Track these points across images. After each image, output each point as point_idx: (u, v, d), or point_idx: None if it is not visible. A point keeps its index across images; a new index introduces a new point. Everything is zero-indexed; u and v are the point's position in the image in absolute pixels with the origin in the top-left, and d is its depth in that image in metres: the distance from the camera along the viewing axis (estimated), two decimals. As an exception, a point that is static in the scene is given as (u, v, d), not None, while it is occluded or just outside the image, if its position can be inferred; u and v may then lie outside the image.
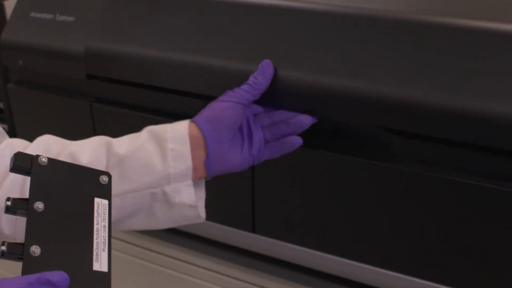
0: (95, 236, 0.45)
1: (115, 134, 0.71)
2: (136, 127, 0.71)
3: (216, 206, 0.91)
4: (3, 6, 1.15)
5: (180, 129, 0.66)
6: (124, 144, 0.67)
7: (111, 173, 0.53)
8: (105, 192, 0.48)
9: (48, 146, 0.67)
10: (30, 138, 0.70)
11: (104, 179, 0.49)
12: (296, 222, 0.85)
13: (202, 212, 0.70)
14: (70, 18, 0.93)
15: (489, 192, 0.67)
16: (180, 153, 0.65)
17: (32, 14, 0.96)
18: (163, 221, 0.68)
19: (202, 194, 0.71)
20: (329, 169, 0.77)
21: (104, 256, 0.45)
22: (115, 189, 0.57)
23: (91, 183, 0.48)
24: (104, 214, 0.47)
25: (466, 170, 0.68)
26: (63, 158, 0.64)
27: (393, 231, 0.77)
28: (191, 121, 0.68)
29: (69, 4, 0.94)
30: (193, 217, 0.69)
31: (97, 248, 0.45)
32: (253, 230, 0.89)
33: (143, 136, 0.68)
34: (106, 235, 0.46)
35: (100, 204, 0.47)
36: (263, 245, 0.90)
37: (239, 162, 0.69)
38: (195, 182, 0.68)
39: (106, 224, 0.47)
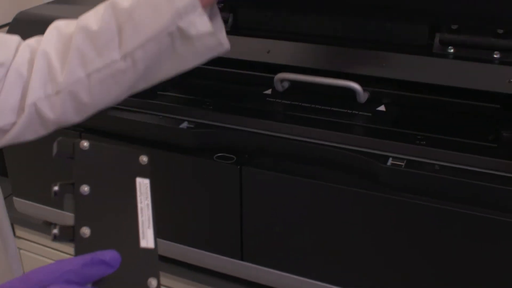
0: (139, 215, 0.47)
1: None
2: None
3: (204, 233, 0.92)
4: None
5: None
6: None
7: (125, 30, 0.65)
8: (146, 171, 0.50)
9: (61, 32, 0.71)
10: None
11: (144, 159, 0.50)
12: (285, 250, 0.86)
13: (224, 39, 0.71)
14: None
15: (475, 220, 0.70)
16: None
17: (22, 45, 0.97)
18: (190, 59, 0.70)
19: (220, 24, 0.72)
20: (316, 197, 0.79)
21: (149, 233, 0.47)
22: (134, 41, 0.65)
23: (131, 163, 0.49)
24: (146, 193, 0.49)
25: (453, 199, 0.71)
26: (78, 35, 0.68)
27: (383, 258, 0.79)
28: None
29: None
30: (216, 45, 0.70)
31: (143, 226, 0.47)
32: (242, 257, 0.90)
33: None
34: (150, 213, 0.48)
35: (141, 183, 0.49)
36: (252, 272, 0.91)
37: None
38: (210, 13, 0.69)
39: (149, 202, 0.48)
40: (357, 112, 0.85)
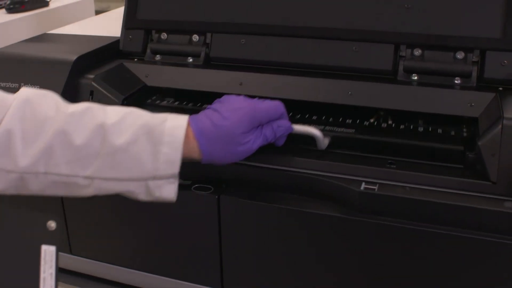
0: (41, 285, 0.44)
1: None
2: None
3: (184, 263, 0.93)
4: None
5: (177, 134, 0.70)
6: (120, 132, 0.69)
7: (103, 160, 0.68)
8: (53, 238, 0.48)
9: (34, 112, 0.68)
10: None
11: (52, 225, 0.48)
12: (264, 276, 0.87)
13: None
14: (35, 87, 0.95)
15: (447, 238, 0.73)
16: (172, 159, 0.70)
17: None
18: (142, 199, 0.73)
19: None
20: (293, 224, 0.81)
21: None
22: (104, 173, 0.68)
23: (38, 229, 0.47)
24: (51, 261, 0.46)
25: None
26: (57, 138, 0.66)
27: (362, 281, 0.81)
28: (190, 124, 0.73)
29: (33, 74, 0.97)
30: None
31: None
32: (222, 286, 0.91)
33: (138, 129, 0.70)
34: (53, 283, 0.45)
35: (47, 251, 0.47)
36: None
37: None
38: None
39: (53, 271, 0.46)
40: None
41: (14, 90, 0.96)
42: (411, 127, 0.89)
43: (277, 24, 0.97)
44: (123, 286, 1.01)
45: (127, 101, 0.96)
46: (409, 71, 0.89)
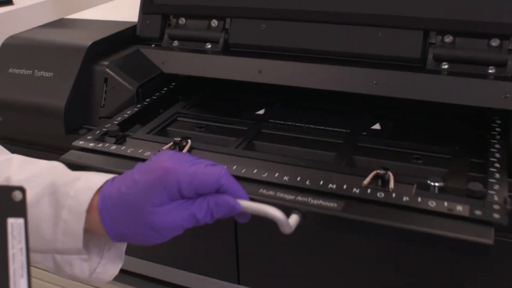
0: (10, 262, 0.41)
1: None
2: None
3: (200, 257, 0.91)
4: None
5: (82, 198, 0.55)
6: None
7: None
8: (19, 209, 0.43)
9: None
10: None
11: (17, 195, 0.43)
12: (278, 273, 0.84)
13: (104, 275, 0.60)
14: (48, 74, 0.93)
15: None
16: (72, 230, 0.55)
17: (11, 70, 0.96)
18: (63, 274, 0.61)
19: (111, 263, 0.60)
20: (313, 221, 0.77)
21: (22, 283, 0.41)
22: None
23: (2, 201, 0.42)
24: (20, 235, 0.42)
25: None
26: None
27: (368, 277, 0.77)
28: (101, 189, 0.56)
29: (47, 60, 0.94)
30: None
31: (14, 276, 0.41)
32: (238, 281, 0.88)
33: (44, 188, 0.57)
34: (24, 258, 0.41)
35: (14, 224, 0.42)
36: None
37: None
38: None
39: (23, 246, 0.42)
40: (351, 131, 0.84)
41: (28, 77, 0.94)
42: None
43: (299, 9, 0.92)
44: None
45: (142, 89, 0.93)
46: (439, 60, 0.83)
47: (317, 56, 0.91)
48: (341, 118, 0.90)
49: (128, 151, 0.74)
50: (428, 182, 0.63)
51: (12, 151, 0.98)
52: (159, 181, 0.52)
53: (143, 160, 0.68)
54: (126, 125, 0.87)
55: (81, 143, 0.77)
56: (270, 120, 0.89)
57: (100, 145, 0.76)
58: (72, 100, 0.91)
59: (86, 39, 0.96)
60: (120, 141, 0.79)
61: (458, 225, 0.57)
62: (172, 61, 0.99)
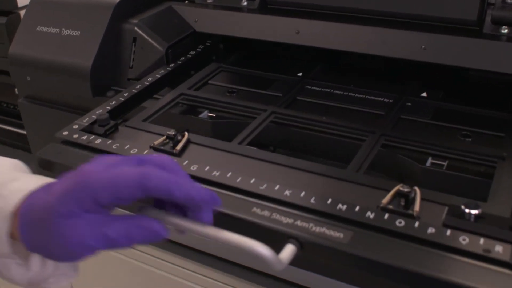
0: None
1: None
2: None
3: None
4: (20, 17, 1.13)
5: (10, 201, 0.48)
6: None
7: None
8: None
9: None
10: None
11: None
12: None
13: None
14: (75, 33, 0.89)
15: None
16: None
17: (39, 28, 0.92)
18: None
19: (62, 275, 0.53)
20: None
21: None
22: None
23: None
24: None
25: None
26: None
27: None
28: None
29: (74, 18, 0.90)
30: None
31: None
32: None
33: None
34: None
35: None
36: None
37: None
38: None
39: None
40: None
41: (55, 36, 0.90)
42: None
43: (343, -37, 0.83)
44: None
45: (172, 49, 0.88)
46: (498, 23, 0.73)
47: (360, 15, 0.83)
48: (385, 84, 0.83)
49: (114, 146, 0.64)
50: (462, 208, 0.50)
51: (41, 112, 0.96)
52: (72, 189, 0.44)
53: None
54: (154, 88, 0.82)
55: (65, 133, 0.67)
56: (307, 86, 0.82)
57: (85, 137, 0.66)
58: (99, 60, 0.86)
59: (114, -4, 0.91)
60: (110, 131, 0.69)
61: (493, 274, 0.45)
62: (205, 19, 0.92)
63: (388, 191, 0.54)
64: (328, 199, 0.53)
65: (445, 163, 0.66)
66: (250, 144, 0.71)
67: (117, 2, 0.88)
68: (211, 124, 0.79)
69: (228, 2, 0.94)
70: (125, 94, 0.77)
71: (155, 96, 0.83)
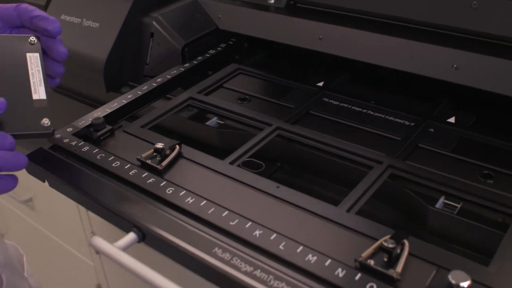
0: (31, 77, 0.59)
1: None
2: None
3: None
4: None
5: None
6: None
7: None
8: (35, 48, 0.61)
9: None
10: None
11: (32, 40, 0.61)
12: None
13: None
14: (95, 24, 0.86)
15: None
16: None
17: (63, 17, 0.91)
18: None
19: None
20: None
21: (41, 89, 0.59)
22: None
23: (22, 45, 0.60)
24: (36, 62, 0.60)
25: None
26: None
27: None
28: None
29: (95, 9, 0.87)
30: None
31: (34, 85, 0.59)
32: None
33: None
34: (41, 75, 0.60)
35: (32, 56, 0.61)
36: None
37: None
38: None
39: (40, 68, 0.60)
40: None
41: (76, 26, 0.88)
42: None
43: (377, -37, 0.75)
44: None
45: (189, 47, 0.83)
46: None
47: (389, 22, 0.74)
48: (410, 102, 0.75)
49: (98, 157, 0.61)
50: (450, 279, 0.42)
51: (60, 101, 0.95)
52: None
53: (109, 172, 0.59)
54: (166, 88, 0.79)
55: (57, 136, 0.65)
56: (324, 99, 0.76)
57: (74, 143, 0.63)
58: (114, 55, 0.84)
59: (136, -13, 0.87)
60: (105, 136, 0.65)
61: None
62: (229, 16, 0.87)
63: (377, 240, 0.48)
64: (299, 247, 0.47)
65: (459, 206, 0.58)
66: (254, 156, 0.66)
67: (136, -6, 0.85)
68: (217, 132, 0.74)
69: (255, -1, 0.88)
70: (129, 96, 0.74)
71: (168, 96, 0.80)
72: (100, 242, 0.49)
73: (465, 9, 0.68)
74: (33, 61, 0.60)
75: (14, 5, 0.63)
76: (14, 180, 0.55)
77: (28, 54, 0.60)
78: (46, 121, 0.58)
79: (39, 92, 0.59)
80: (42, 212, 1.46)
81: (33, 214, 1.59)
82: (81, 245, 1.28)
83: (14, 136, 0.54)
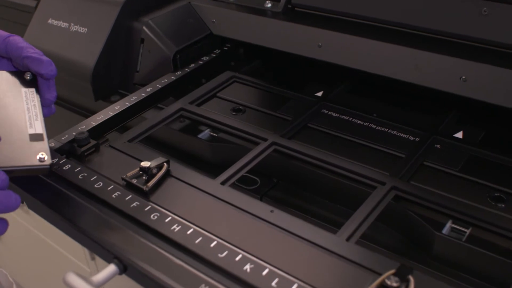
0: (26, 112, 0.58)
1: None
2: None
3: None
4: None
5: None
6: None
7: None
8: (30, 84, 0.60)
9: None
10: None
11: (27, 76, 0.60)
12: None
13: None
14: (83, 30, 0.82)
15: None
16: None
17: (50, 21, 0.86)
18: None
19: None
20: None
21: (38, 123, 0.57)
22: None
23: (18, 80, 0.60)
24: (32, 97, 0.59)
25: None
26: None
27: None
28: None
29: (83, 14, 0.83)
30: None
31: (30, 119, 0.57)
32: None
33: None
34: (38, 110, 0.58)
35: (27, 91, 0.59)
36: None
37: None
38: None
39: (36, 103, 0.59)
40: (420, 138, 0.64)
41: (64, 31, 0.84)
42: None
43: (380, -34, 0.71)
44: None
45: (181, 54, 0.79)
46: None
47: (393, 28, 0.70)
48: (415, 115, 0.71)
49: (80, 176, 0.57)
50: None
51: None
52: None
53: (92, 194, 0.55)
54: (157, 98, 0.74)
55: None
56: (323, 110, 0.71)
57: (55, 160, 0.60)
58: (103, 61, 0.79)
59: (125, -10, 0.82)
60: (89, 151, 0.61)
61: None
62: (224, 21, 0.82)
63: (379, 274, 0.44)
64: (293, 284, 0.43)
65: (468, 231, 0.53)
66: (250, 171, 0.62)
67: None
68: (209, 146, 0.70)
69: (252, 2, 0.83)
70: (116, 107, 0.70)
71: (159, 105, 0.76)
72: (75, 280, 0.44)
73: (474, 16, 0.64)
74: (29, 96, 0.59)
75: (5, 35, 0.59)
76: (4, 224, 0.51)
77: (23, 89, 0.59)
78: (42, 156, 0.54)
79: (35, 126, 0.57)
80: (37, 215, 1.42)
81: (28, 218, 1.55)
82: (77, 251, 1.24)
83: (7, 172, 0.51)
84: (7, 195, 0.49)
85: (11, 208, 0.49)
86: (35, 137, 0.56)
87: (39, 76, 0.59)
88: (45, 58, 0.58)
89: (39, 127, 0.57)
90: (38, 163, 0.54)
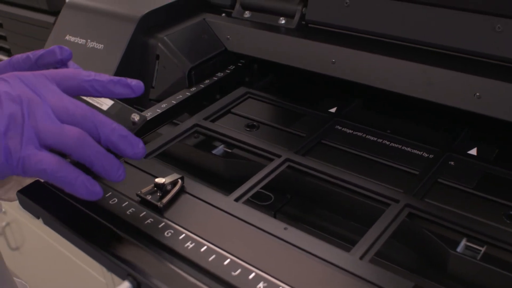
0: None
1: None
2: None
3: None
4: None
5: None
6: None
7: None
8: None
9: None
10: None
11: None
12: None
13: None
14: (99, 46, 0.83)
15: None
16: None
17: (67, 37, 0.88)
18: None
19: None
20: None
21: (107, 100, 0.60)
22: None
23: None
24: None
25: None
26: None
27: None
28: None
29: (99, 30, 0.84)
30: None
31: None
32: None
33: None
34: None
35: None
36: None
37: None
38: None
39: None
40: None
41: (80, 47, 0.85)
42: None
43: (393, -17, 0.71)
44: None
45: (196, 70, 0.80)
46: None
47: (406, 44, 0.70)
48: (429, 131, 0.71)
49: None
50: None
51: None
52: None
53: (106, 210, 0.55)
54: (172, 114, 0.75)
55: None
56: (337, 127, 0.71)
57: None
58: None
59: (141, 7, 0.84)
60: None
61: None
62: (238, 37, 0.83)
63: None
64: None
65: (482, 249, 0.53)
66: (264, 187, 0.62)
67: (141, 15, 0.82)
68: (223, 161, 0.70)
69: (266, 19, 0.84)
70: (131, 124, 0.71)
71: (175, 121, 0.76)
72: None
73: (488, 32, 0.64)
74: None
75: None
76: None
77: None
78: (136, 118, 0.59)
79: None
80: (50, 231, 1.43)
81: (47, 230, 1.56)
82: (93, 262, 1.25)
83: None
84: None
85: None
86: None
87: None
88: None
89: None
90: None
